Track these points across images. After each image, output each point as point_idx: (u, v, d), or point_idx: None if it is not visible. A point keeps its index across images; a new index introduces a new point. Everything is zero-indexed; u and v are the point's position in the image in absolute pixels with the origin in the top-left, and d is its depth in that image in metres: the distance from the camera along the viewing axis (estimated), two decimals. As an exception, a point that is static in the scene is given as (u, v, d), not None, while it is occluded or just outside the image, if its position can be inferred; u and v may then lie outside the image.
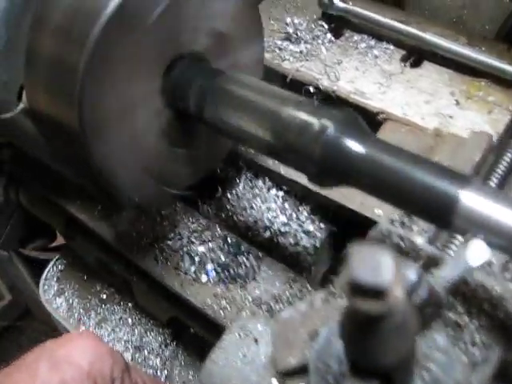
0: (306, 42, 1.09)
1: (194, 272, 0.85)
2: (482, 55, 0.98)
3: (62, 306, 1.24)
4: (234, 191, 0.94)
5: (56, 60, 0.70)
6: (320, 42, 1.09)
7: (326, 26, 1.11)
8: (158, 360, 1.14)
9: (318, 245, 0.88)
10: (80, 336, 0.76)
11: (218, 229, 0.90)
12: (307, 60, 1.06)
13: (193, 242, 0.88)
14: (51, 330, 1.42)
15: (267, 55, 1.03)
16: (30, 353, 0.72)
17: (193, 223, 0.90)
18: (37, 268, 1.41)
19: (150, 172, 0.78)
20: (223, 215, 0.93)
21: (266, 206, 0.91)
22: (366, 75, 1.02)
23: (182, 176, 0.83)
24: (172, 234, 0.89)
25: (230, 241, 0.87)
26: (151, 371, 1.12)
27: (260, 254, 0.86)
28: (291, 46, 1.08)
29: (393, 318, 0.39)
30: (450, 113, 0.93)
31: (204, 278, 0.84)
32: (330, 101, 1.00)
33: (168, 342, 1.15)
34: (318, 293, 0.65)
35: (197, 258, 0.86)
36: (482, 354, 0.55)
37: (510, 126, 0.91)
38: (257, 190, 0.93)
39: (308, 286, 0.81)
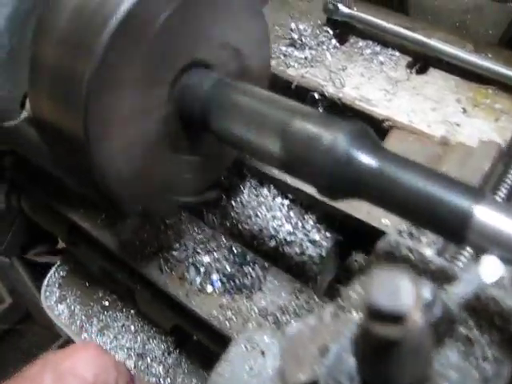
0: (310, 48, 1.08)
1: (200, 283, 0.84)
2: (489, 62, 0.97)
3: (64, 313, 1.23)
4: (238, 199, 0.93)
5: (61, 68, 0.69)
6: (325, 47, 1.08)
7: (331, 32, 1.10)
8: (160, 368, 1.13)
9: (323, 254, 0.88)
10: (84, 348, 0.75)
11: (223, 238, 0.89)
12: (312, 66, 1.05)
13: (198, 252, 0.87)
14: (52, 333, 1.42)
15: (272, 61, 1.02)
16: (34, 365, 0.71)
17: (198, 233, 0.90)
18: (37, 272, 1.40)
19: (155, 181, 0.77)
20: (228, 224, 0.92)
21: (272, 214, 0.91)
22: (371, 82, 1.01)
23: (188, 185, 0.82)
24: (177, 244, 0.88)
25: (235, 251, 0.86)
26: (154, 379, 1.12)
27: (266, 264, 0.85)
28: (296, 52, 1.08)
29: (410, 342, 0.38)
30: (456, 120, 0.92)
31: (209, 289, 0.83)
32: (335, 108, 0.99)
33: (171, 349, 1.14)
34: (327, 307, 0.64)
35: (202, 269, 0.85)
36: (493, 369, 0.54)
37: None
38: (262, 198, 0.92)
39: (315, 297, 0.81)
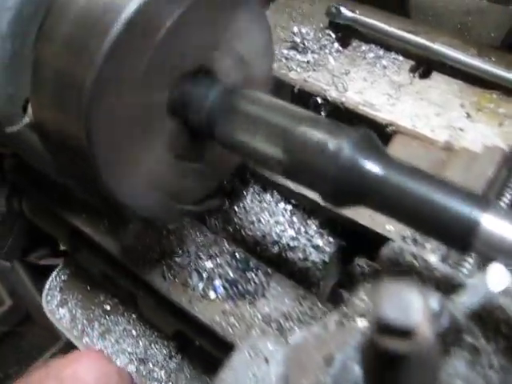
0: (313, 52, 1.07)
1: (203, 288, 0.83)
2: (492, 66, 0.97)
3: (65, 317, 1.23)
4: (241, 204, 0.92)
5: (63, 74, 0.68)
6: (327, 51, 1.07)
7: (334, 36, 1.09)
8: (162, 372, 1.12)
9: (327, 259, 0.87)
10: (87, 354, 0.75)
11: (226, 244, 0.88)
12: (314, 70, 1.05)
13: (200, 258, 0.86)
14: (52, 334, 1.41)
15: (274, 65, 1.02)
16: (37, 371, 0.71)
17: (200, 238, 0.89)
18: (37, 273, 1.40)
19: (158, 187, 0.77)
20: (231, 229, 0.91)
21: (274, 219, 0.90)
22: (374, 86, 1.01)
23: (190, 191, 0.82)
24: (179, 249, 0.88)
25: (238, 256, 0.86)
26: (156, 384, 1.11)
27: (269, 271, 0.84)
28: (298, 56, 1.07)
29: (419, 355, 0.38)
30: (460, 125, 0.92)
31: (212, 295, 0.83)
32: (338, 112, 0.99)
33: (173, 354, 1.14)
34: (332, 314, 0.64)
35: (205, 274, 0.84)
36: (499, 378, 0.54)
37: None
38: (265, 204, 0.92)
39: (318, 303, 0.80)
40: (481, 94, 0.96)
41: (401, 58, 1.04)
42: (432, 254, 0.70)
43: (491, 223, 0.52)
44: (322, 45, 1.08)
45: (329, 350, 0.57)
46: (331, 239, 0.88)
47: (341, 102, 0.99)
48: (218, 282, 0.83)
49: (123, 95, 0.67)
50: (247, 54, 0.78)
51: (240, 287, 0.82)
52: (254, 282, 0.83)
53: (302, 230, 0.89)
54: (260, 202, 0.92)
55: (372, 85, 1.01)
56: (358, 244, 0.87)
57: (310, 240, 0.88)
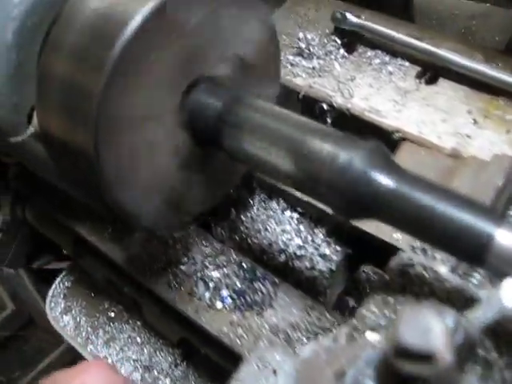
0: (318, 58, 1.07)
1: (209, 298, 0.83)
2: (499, 72, 0.96)
3: (70, 324, 1.22)
4: (247, 213, 0.92)
5: (71, 83, 0.68)
6: (333, 57, 1.07)
7: (339, 41, 1.09)
8: (168, 380, 1.12)
9: (334, 268, 0.87)
10: (94, 365, 0.75)
11: (233, 253, 0.88)
12: (320, 76, 1.04)
13: (207, 267, 0.86)
14: (55, 338, 1.41)
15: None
16: (44, 382, 0.71)
17: (206, 247, 0.89)
18: (39, 277, 1.39)
19: (164, 198, 0.76)
20: (237, 238, 0.91)
21: (281, 228, 0.90)
22: (380, 92, 1.00)
23: (196, 201, 0.81)
24: (185, 258, 0.87)
25: (245, 266, 0.85)
26: (161, 392, 1.11)
27: (276, 280, 0.84)
28: (303, 62, 1.07)
29: (438, 378, 0.37)
30: (467, 132, 0.91)
31: (219, 305, 0.82)
32: (343, 119, 0.98)
33: (178, 361, 1.13)
34: (342, 327, 0.63)
35: (211, 284, 0.84)
36: (512, 392, 0.54)
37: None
38: (271, 212, 0.91)
39: (326, 313, 0.79)
40: (488, 101, 0.96)
41: (407, 63, 1.04)
42: (442, 265, 0.69)
43: (505, 238, 0.51)
44: (328, 51, 1.08)
45: (340, 365, 0.57)
46: (338, 248, 0.88)
47: (346, 108, 0.98)
48: (225, 293, 0.83)
49: (132, 104, 0.67)
50: (254, 59, 0.77)
51: (247, 298, 0.82)
52: (262, 293, 0.82)
53: (309, 238, 0.88)
54: (266, 210, 0.91)
55: (378, 91, 1.00)
56: (364, 252, 0.87)
57: (317, 249, 0.87)
